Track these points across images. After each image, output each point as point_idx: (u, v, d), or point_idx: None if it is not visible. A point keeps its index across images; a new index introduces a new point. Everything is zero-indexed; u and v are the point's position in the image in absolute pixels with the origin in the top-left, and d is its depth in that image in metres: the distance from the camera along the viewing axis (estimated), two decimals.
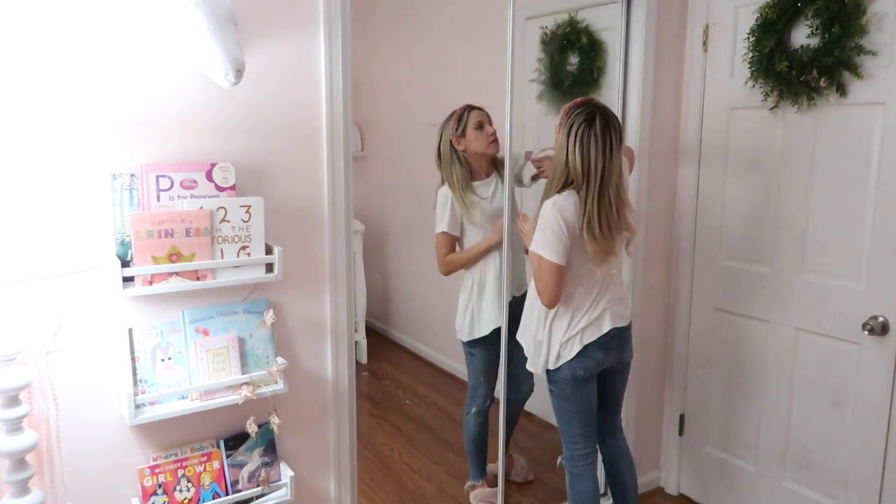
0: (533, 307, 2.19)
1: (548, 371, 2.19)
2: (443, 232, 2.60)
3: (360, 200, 4.61)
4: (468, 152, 2.59)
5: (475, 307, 2.62)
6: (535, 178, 2.53)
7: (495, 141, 2.57)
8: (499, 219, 2.53)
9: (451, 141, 2.59)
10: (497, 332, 2.59)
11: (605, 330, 2.12)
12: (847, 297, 2.31)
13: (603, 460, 2.44)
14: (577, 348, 2.10)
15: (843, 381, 2.35)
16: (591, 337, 2.11)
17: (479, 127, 2.56)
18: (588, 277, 2.11)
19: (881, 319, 2.20)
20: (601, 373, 2.23)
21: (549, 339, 2.15)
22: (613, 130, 2.02)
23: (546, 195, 2.09)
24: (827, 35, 2.22)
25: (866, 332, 2.22)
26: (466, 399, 2.85)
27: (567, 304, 2.11)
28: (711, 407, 2.82)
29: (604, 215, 2.01)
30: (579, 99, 2.13)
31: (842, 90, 2.24)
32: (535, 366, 2.20)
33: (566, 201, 2.02)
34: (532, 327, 2.20)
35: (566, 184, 2.04)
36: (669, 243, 2.87)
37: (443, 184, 2.64)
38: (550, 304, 2.08)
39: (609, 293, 2.14)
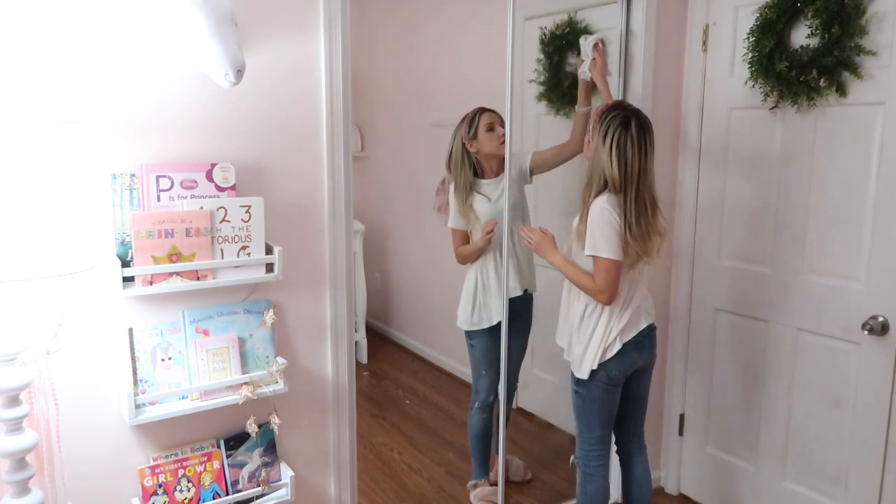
0: (572, 312, 2.20)
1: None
2: (453, 228, 2.74)
3: (360, 200, 4.61)
4: (480, 153, 2.65)
5: (482, 300, 2.70)
6: (595, 48, 2.56)
7: (503, 143, 2.58)
8: (487, 223, 2.61)
9: (463, 144, 2.65)
10: (499, 323, 2.63)
11: (641, 327, 2.16)
12: (847, 297, 2.31)
13: (624, 475, 2.42)
14: (616, 347, 2.13)
15: (843, 381, 2.35)
16: (628, 335, 2.14)
17: (491, 129, 2.62)
18: (626, 275, 2.13)
19: (881, 319, 2.20)
20: (630, 374, 2.25)
21: (589, 342, 2.16)
22: (648, 133, 2.07)
23: (587, 198, 2.11)
24: (827, 35, 2.22)
25: (866, 332, 2.22)
26: (471, 395, 2.87)
27: (615, 306, 2.13)
28: (711, 407, 2.82)
29: (642, 217, 2.06)
30: (611, 102, 2.18)
31: (842, 90, 2.24)
32: (583, 372, 2.18)
33: (613, 200, 2.06)
34: (575, 334, 2.20)
35: (604, 188, 2.07)
36: (669, 243, 2.87)
37: (455, 191, 2.72)
38: (610, 301, 2.09)
39: (639, 291, 2.17)
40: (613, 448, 2.40)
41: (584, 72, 2.59)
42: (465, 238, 2.73)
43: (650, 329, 2.22)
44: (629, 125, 2.03)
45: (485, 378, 2.78)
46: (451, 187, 2.73)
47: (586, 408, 2.23)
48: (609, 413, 2.24)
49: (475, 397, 2.84)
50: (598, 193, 2.08)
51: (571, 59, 3.10)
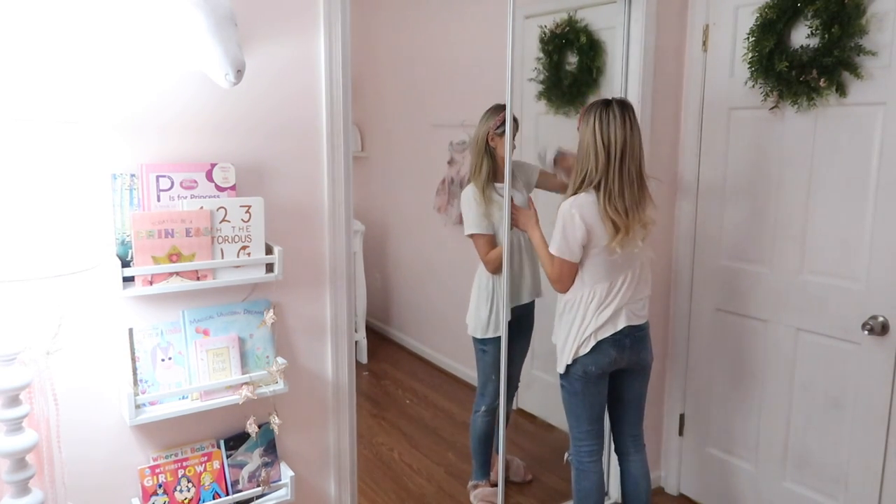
0: (563, 311, 2.25)
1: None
2: (475, 234, 2.61)
3: (360, 200, 4.62)
4: (496, 153, 2.63)
5: (497, 306, 2.64)
6: (556, 161, 2.65)
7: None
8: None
9: (487, 134, 2.61)
10: (510, 326, 2.63)
11: (620, 327, 2.17)
12: (847, 297, 2.31)
13: (622, 475, 2.43)
14: (591, 344, 2.17)
15: (843, 381, 2.35)
16: (604, 334, 2.16)
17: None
18: (608, 275, 2.16)
19: (881, 319, 2.20)
20: (618, 374, 2.27)
21: (567, 337, 2.21)
22: (629, 110, 2.12)
23: (568, 193, 2.17)
24: (827, 35, 2.22)
25: (866, 332, 2.22)
26: (475, 398, 2.86)
27: (586, 302, 2.17)
28: (711, 407, 2.82)
29: (627, 189, 2.09)
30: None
31: (842, 90, 2.24)
32: (560, 366, 2.25)
33: (585, 199, 2.11)
34: (556, 328, 2.28)
35: (585, 179, 2.11)
36: (669, 243, 2.87)
37: (468, 182, 2.66)
38: (563, 291, 2.22)
39: (629, 292, 2.18)
40: (613, 447, 2.41)
41: (561, 177, 2.69)
42: (491, 243, 2.59)
43: (634, 329, 2.20)
44: (610, 104, 2.11)
45: (493, 383, 2.76)
46: (465, 191, 2.63)
47: (570, 402, 2.28)
48: (593, 407, 2.27)
49: (481, 401, 2.81)
50: (575, 191, 2.14)
51: (571, 58, 3.10)
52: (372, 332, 4.93)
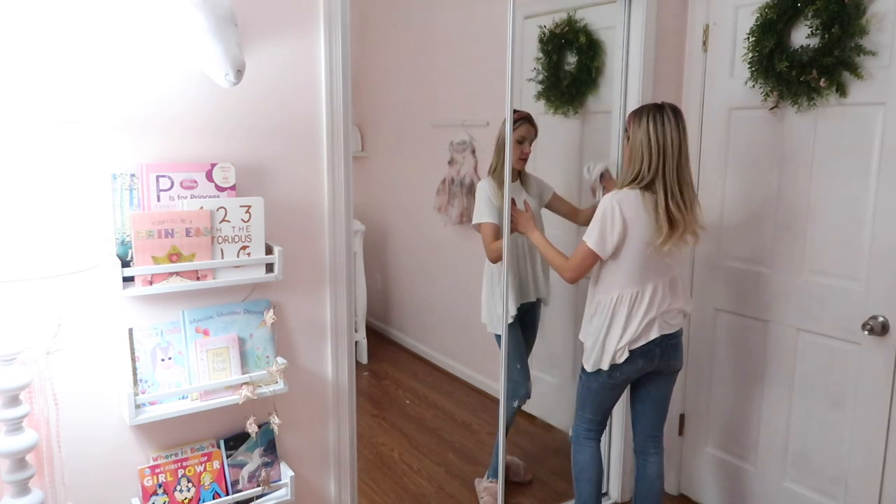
0: (594, 313, 2.26)
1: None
2: (484, 222, 2.65)
3: (360, 200, 4.62)
4: (516, 153, 2.66)
5: (505, 297, 2.66)
6: (602, 176, 2.66)
7: (524, 159, 2.68)
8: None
9: None
10: (518, 314, 2.67)
11: (652, 338, 2.18)
12: (847, 297, 2.31)
13: (637, 474, 2.44)
14: (625, 356, 2.18)
15: (843, 381, 2.35)
16: (636, 345, 2.18)
17: (520, 141, 2.64)
18: (637, 280, 2.15)
19: (881, 319, 2.20)
20: (645, 375, 2.29)
21: (595, 342, 2.22)
22: (682, 117, 2.12)
23: (616, 188, 2.19)
24: (827, 35, 2.22)
25: (866, 332, 2.22)
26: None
27: (615, 306, 2.17)
28: (711, 407, 2.82)
29: (685, 188, 2.11)
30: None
31: (842, 90, 2.24)
32: (589, 365, 2.27)
33: (627, 194, 2.11)
34: (586, 325, 2.29)
35: (636, 179, 2.12)
36: None
37: (489, 174, 2.69)
38: (573, 281, 2.25)
39: (664, 303, 2.18)
40: (630, 446, 2.43)
41: (600, 196, 2.68)
42: (497, 232, 2.62)
43: (665, 338, 2.21)
44: (663, 108, 2.11)
45: (519, 373, 2.79)
46: (482, 183, 2.68)
47: (583, 392, 2.34)
48: (602, 404, 2.32)
49: (513, 397, 2.81)
50: (623, 185, 2.15)
51: (571, 59, 3.10)
52: (372, 332, 4.94)
